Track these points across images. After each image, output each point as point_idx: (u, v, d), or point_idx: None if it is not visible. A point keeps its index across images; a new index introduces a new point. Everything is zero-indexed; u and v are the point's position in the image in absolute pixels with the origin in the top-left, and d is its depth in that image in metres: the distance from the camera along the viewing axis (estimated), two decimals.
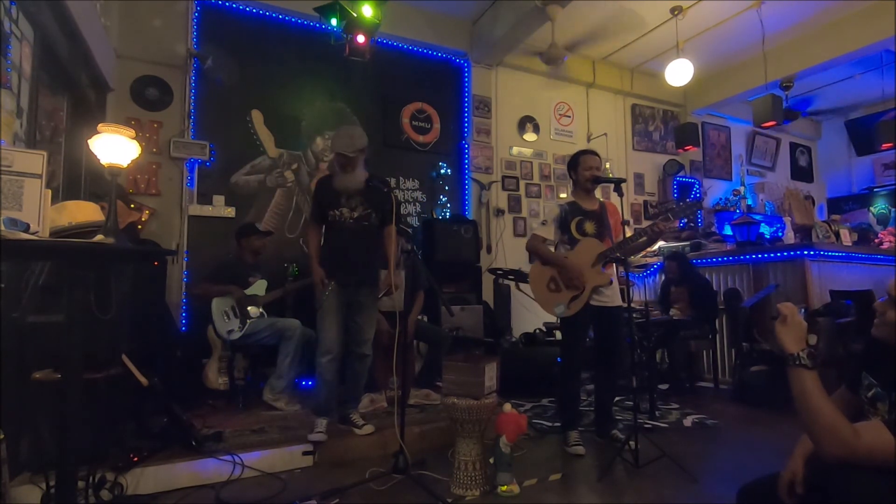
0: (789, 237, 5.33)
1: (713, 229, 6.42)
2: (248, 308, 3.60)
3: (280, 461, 2.59)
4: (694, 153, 7.05)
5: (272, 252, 4.24)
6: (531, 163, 6.10)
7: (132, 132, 1.90)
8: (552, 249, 3.09)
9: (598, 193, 3.22)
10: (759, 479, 1.41)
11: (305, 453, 2.65)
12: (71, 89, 3.46)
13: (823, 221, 5.67)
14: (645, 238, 2.88)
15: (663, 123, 7.12)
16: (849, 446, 1.11)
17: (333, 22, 3.97)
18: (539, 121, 6.15)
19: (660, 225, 2.80)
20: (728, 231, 5.99)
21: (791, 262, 4.32)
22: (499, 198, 5.85)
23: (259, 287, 3.74)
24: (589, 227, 3.01)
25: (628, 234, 2.90)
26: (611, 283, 2.98)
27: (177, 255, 4.19)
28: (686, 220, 6.56)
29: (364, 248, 2.94)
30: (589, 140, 6.43)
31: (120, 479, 2.19)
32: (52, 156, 2.59)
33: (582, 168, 3.07)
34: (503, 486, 2.28)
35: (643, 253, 5.63)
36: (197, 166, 4.39)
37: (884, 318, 1.28)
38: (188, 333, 4.07)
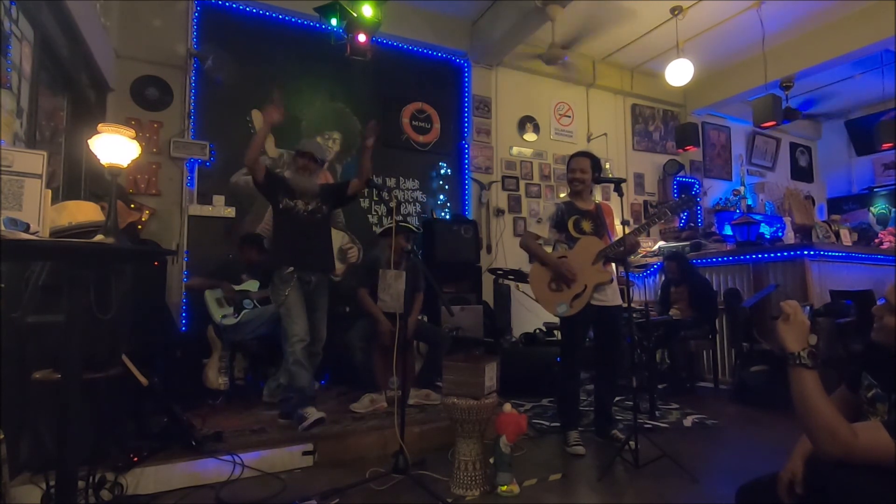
0: (789, 237, 5.33)
1: (713, 229, 6.42)
2: (243, 301, 3.67)
3: (280, 461, 2.59)
4: (694, 153, 7.05)
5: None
6: (531, 163, 6.10)
7: (132, 132, 1.90)
8: (549, 249, 3.09)
9: (598, 194, 3.23)
10: (758, 478, 1.41)
11: (305, 453, 2.64)
12: (71, 89, 3.46)
13: (823, 221, 5.67)
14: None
15: (663, 123, 7.12)
16: (846, 446, 1.11)
17: (333, 22, 3.99)
18: (539, 121, 6.16)
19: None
20: (728, 231, 5.99)
21: (791, 262, 4.32)
22: (499, 198, 5.85)
23: (250, 286, 3.79)
24: (586, 225, 3.02)
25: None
26: (611, 281, 2.98)
27: (177, 255, 4.19)
28: (688, 214, 6.56)
29: (324, 238, 3.14)
30: (589, 140, 6.42)
31: (120, 479, 2.19)
32: (52, 156, 2.58)
33: (567, 172, 3.16)
34: (503, 486, 2.28)
35: (643, 253, 5.64)
36: (197, 166, 4.39)
37: (881, 322, 1.28)
38: (188, 333, 4.08)
